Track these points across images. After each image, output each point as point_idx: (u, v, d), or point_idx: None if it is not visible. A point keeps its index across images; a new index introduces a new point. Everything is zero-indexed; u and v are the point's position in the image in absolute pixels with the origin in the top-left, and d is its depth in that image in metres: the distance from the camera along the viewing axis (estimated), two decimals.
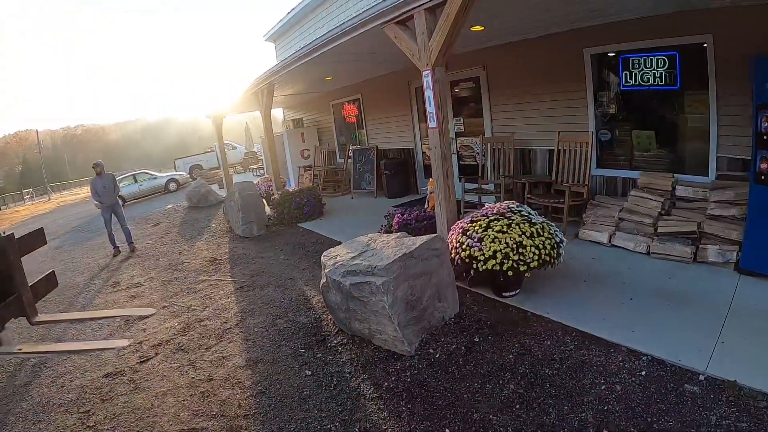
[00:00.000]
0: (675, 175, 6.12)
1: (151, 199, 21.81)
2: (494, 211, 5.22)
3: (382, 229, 7.07)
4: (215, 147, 27.38)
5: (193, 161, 27.55)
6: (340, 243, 8.06)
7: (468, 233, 5.05)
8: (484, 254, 4.80)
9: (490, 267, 4.76)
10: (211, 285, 7.41)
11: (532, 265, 4.76)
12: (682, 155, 6.36)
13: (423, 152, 11.40)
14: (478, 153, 9.59)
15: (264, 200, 11.50)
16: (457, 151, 10.16)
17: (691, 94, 6.05)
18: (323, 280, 4.96)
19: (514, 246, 4.77)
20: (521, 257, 4.75)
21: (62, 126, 53.98)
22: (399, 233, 5.35)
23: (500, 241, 4.80)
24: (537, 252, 4.78)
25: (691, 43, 5.79)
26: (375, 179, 12.23)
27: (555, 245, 4.95)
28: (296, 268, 7.61)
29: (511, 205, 5.30)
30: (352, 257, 4.80)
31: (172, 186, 23.00)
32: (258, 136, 21.20)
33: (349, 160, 13.29)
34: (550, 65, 7.50)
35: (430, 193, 6.81)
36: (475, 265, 4.88)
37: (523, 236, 4.84)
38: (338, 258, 4.95)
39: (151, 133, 47.54)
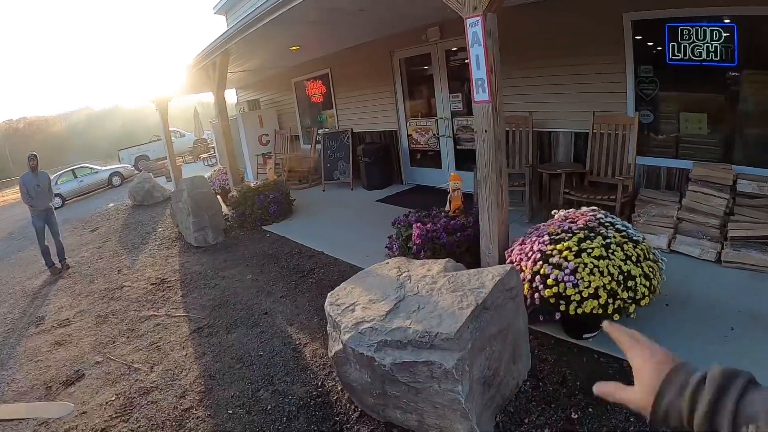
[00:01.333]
0: (732, 166, 4.94)
1: (93, 196, 19.26)
2: (579, 224, 3.54)
3: (394, 248, 5.21)
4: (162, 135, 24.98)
5: (138, 152, 24.84)
6: (322, 253, 6.60)
7: (552, 260, 3.35)
8: (580, 292, 3.15)
9: (588, 310, 3.16)
10: (159, 324, 5.48)
11: (642, 302, 3.20)
12: (740, 143, 5.26)
13: (409, 135, 9.61)
14: None
15: (219, 198, 9.50)
16: (454, 134, 8.51)
17: (752, 73, 4.94)
18: (337, 348, 3.12)
19: (621, 278, 3.16)
20: (630, 293, 3.15)
21: (4, 120, 49.79)
22: (442, 261, 3.53)
23: (601, 272, 3.16)
24: (647, 284, 3.22)
25: (754, 14, 4.66)
26: (351, 168, 10.37)
27: (660, 269, 3.42)
28: (271, 294, 5.75)
29: (598, 214, 3.67)
30: (386, 312, 2.95)
31: (116, 180, 20.45)
32: (209, 121, 18.87)
33: (318, 146, 11.39)
34: (580, 31, 5.95)
35: (453, 191, 5.06)
36: (564, 307, 3.24)
37: (628, 262, 3.22)
38: (360, 311, 3.10)
39: (96, 123, 44.19)
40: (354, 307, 3.19)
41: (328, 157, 10.80)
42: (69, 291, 7.39)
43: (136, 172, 21.61)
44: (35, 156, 8.21)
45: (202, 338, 4.93)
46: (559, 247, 3.36)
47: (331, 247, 6.86)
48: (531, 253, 3.51)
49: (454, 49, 8.01)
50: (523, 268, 3.52)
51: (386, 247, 5.31)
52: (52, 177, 20.00)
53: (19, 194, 8.35)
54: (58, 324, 6.13)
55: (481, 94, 3.82)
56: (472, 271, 3.22)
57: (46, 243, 8.38)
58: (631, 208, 5.48)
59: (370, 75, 9.90)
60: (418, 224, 4.83)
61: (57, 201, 17.91)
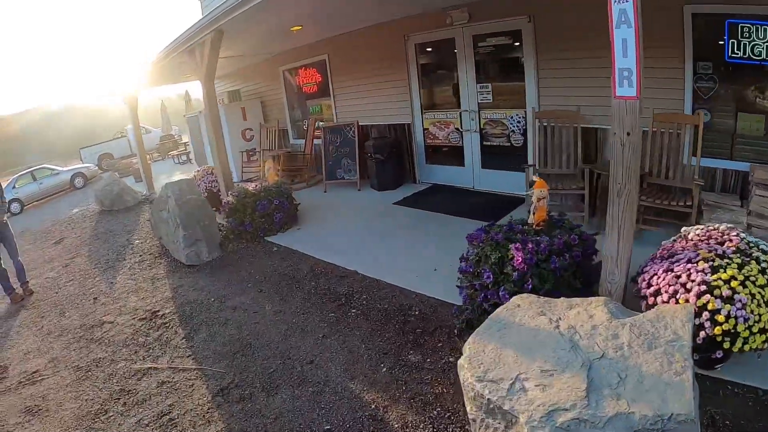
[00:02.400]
0: None
1: (55, 200, 17.30)
2: (731, 247, 3.01)
3: (472, 272, 3.97)
4: (127, 131, 23.01)
5: (101, 150, 22.73)
6: (355, 272, 5.46)
7: (717, 292, 2.73)
8: (750, 327, 2.66)
9: (758, 345, 2.71)
10: (164, 383, 4.09)
11: None
12: None
13: (425, 129, 8.37)
14: (513, 131, 6.95)
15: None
16: (481, 129, 7.38)
17: None
18: None
19: None
20: None
21: None
22: (592, 301, 2.85)
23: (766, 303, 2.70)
24: None
25: None
26: (358, 166, 9.01)
27: None
28: (307, 333, 4.44)
29: (740, 233, 3.19)
30: (585, 391, 2.12)
31: (78, 182, 18.46)
32: (182, 115, 17.08)
33: (317, 141, 9.98)
34: None
35: (538, 200, 3.83)
36: (728, 344, 2.72)
37: None
38: (538, 391, 2.20)
39: (54, 122, 41.30)
40: (522, 382, 2.29)
41: (329, 153, 9.41)
42: (35, 328, 5.87)
43: (99, 172, 19.72)
44: None
45: (233, 405, 3.59)
46: (724, 276, 2.78)
47: (363, 264, 5.59)
48: (691, 284, 2.83)
49: (485, 33, 6.92)
50: (680, 301, 2.85)
51: (461, 271, 4.05)
52: (9, 180, 18.22)
53: None
54: (27, 379, 4.68)
55: (626, 88, 3.04)
56: (648, 315, 2.64)
57: (2, 265, 6.79)
58: (699, 213, 4.82)
59: (379, 61, 8.61)
60: (516, 249, 3.57)
61: (15, 206, 16.02)
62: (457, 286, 4.15)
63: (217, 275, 6.21)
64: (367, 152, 8.68)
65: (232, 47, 8.03)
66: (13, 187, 16.82)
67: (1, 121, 45.07)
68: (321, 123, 10.07)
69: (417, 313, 4.37)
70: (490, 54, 7.03)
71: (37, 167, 18.80)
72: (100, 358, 4.77)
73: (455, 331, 3.91)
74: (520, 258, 3.48)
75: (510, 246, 3.64)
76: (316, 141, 10.05)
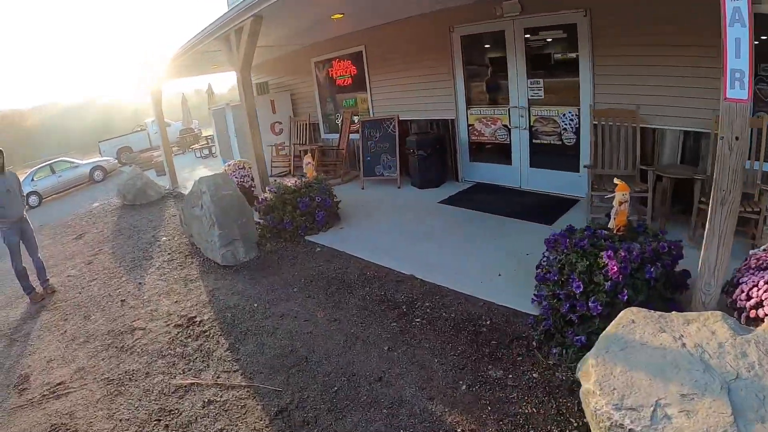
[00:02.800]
0: None
1: (73, 193, 16.87)
2: None
3: (551, 280, 3.48)
4: (146, 125, 22.59)
5: (120, 143, 22.28)
6: (412, 277, 4.97)
7: None
8: None
9: None
10: (211, 401, 3.53)
11: None
12: None
13: (470, 125, 7.83)
14: (565, 129, 6.50)
15: None
16: (530, 126, 6.91)
17: None
18: None
19: None
20: None
21: None
22: (709, 315, 2.61)
23: None
24: None
25: None
26: (398, 162, 8.43)
27: None
28: (369, 345, 3.91)
29: None
30: (731, 416, 1.96)
31: (98, 175, 18.02)
32: (197, 109, 16.57)
33: (354, 136, 9.42)
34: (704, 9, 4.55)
35: (620, 203, 3.31)
36: None
37: None
38: (683, 418, 2.03)
39: (71, 116, 41.14)
40: (663, 409, 2.12)
41: (368, 148, 8.84)
42: (58, 332, 5.35)
43: (119, 165, 19.28)
44: (1, 153, 6.11)
45: (296, 429, 2.99)
46: None
47: (419, 267, 5.05)
48: None
49: (537, 26, 6.48)
50: None
51: (539, 279, 3.78)
52: (27, 172, 17.82)
53: None
54: (51, 392, 4.16)
55: (737, 90, 2.80)
56: None
57: (23, 263, 6.29)
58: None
59: (421, 54, 8.06)
60: (609, 252, 3.08)
61: (33, 200, 15.61)
62: (535, 295, 3.82)
63: (257, 278, 5.65)
64: (408, 148, 8.12)
65: (265, 37, 7.44)
66: (32, 180, 16.42)
67: (19, 115, 45.03)
68: (357, 117, 9.49)
69: (488, 323, 3.91)
70: (542, 48, 6.60)
71: (56, 160, 18.40)
72: (133, 370, 4.22)
73: (533, 343, 3.53)
74: (615, 267, 3.10)
75: (601, 254, 3.27)
76: (351, 136, 9.45)
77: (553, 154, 6.73)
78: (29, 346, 5.18)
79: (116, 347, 4.70)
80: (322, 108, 11.00)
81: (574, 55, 6.10)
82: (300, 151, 10.17)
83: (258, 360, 3.98)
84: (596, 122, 5.60)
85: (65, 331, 5.32)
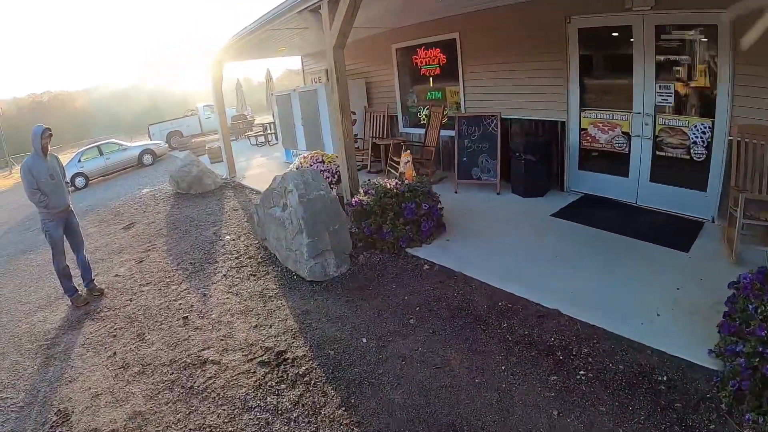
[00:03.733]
0: None
1: (122, 177, 15.94)
2: None
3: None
4: (198, 109, 21.69)
5: (170, 127, 21.37)
6: (557, 312, 3.88)
7: None
8: None
9: None
10: None
11: None
12: None
13: (583, 130, 6.58)
14: (695, 143, 5.51)
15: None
16: (655, 136, 5.84)
17: None
18: None
19: None
20: None
21: (29, 93, 46.68)
22: None
23: None
24: None
25: None
26: (499, 166, 7.12)
27: None
28: (528, 404, 2.81)
29: None
30: None
31: (147, 159, 17.07)
32: (249, 96, 15.40)
33: (449, 133, 8.11)
34: None
35: None
36: None
37: None
38: None
39: (120, 99, 41.02)
40: None
41: (464, 148, 7.54)
42: (105, 353, 4.18)
43: (168, 149, 18.34)
44: (50, 132, 4.99)
45: None
46: None
47: (561, 299, 3.94)
48: None
49: (671, 24, 5.51)
50: None
51: (726, 329, 3.02)
52: (74, 153, 16.99)
53: (24, 188, 5.10)
54: None
55: None
56: None
57: (66, 261, 5.19)
58: None
59: (528, 45, 6.81)
60: None
61: (80, 181, 14.74)
62: (718, 348, 3.03)
63: (356, 300, 4.40)
64: (514, 151, 6.94)
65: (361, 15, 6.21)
66: (79, 161, 15.59)
67: (71, 95, 45.08)
68: (447, 111, 8.19)
69: (665, 379, 2.99)
70: (675, 50, 5.65)
71: (105, 141, 17.54)
72: (210, 426, 2.98)
73: (722, 406, 2.74)
74: None
75: None
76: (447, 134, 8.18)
77: (677, 169, 5.74)
78: (69, 368, 4.05)
79: (183, 386, 3.50)
80: (402, 99, 9.71)
81: (712, 60, 5.19)
82: (381, 145, 8.91)
83: (388, 426, 2.70)
84: (739, 138, 4.60)
85: (114, 353, 4.15)
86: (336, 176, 6.86)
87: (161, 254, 6.62)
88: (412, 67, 9.25)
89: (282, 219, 5.04)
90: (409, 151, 6.23)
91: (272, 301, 4.66)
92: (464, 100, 8.26)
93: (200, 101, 23.51)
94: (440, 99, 8.82)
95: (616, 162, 6.40)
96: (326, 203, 4.96)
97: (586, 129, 6.56)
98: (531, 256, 4.82)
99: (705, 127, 5.44)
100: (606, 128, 6.37)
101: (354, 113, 9.96)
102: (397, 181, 5.62)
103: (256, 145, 16.44)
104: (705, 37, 5.29)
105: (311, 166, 7.03)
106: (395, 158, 8.40)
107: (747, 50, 4.73)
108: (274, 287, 4.94)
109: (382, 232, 5.25)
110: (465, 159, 7.54)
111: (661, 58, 5.67)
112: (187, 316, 4.60)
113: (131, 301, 5.21)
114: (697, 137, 5.53)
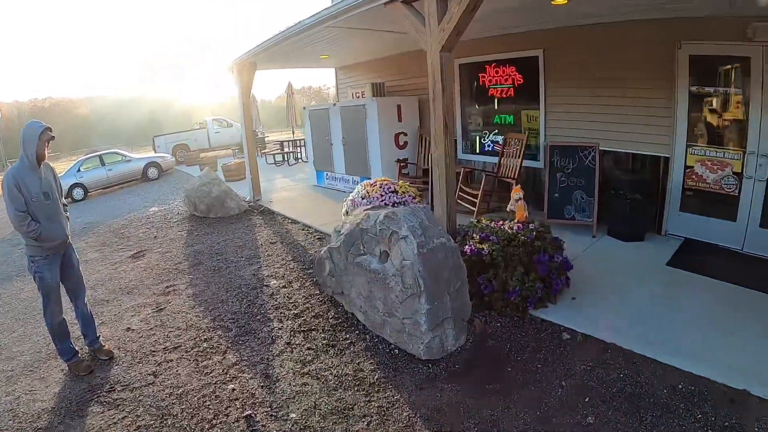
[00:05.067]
0: None
1: (125, 191, 14.13)
2: None
3: None
4: (207, 122, 20.14)
5: (176, 140, 19.58)
6: (745, 392, 2.86)
7: None
8: None
9: None
10: None
11: None
12: None
13: (688, 168, 5.76)
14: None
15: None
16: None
17: None
18: None
19: None
20: None
21: (30, 98, 44.98)
22: None
23: None
24: None
25: None
26: (596, 204, 5.82)
27: None
28: None
29: None
30: None
31: (152, 172, 15.28)
32: (302, 107, 13.77)
33: (535, 163, 6.66)
34: None
35: None
36: None
37: None
38: None
39: (122, 109, 39.44)
40: None
41: (556, 182, 6.11)
42: None
43: (175, 164, 16.68)
44: (51, 133, 3.47)
45: None
46: None
47: (745, 376, 2.94)
48: None
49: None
50: None
51: None
52: (72, 163, 15.26)
53: (7, 211, 3.46)
54: None
55: None
56: None
57: (62, 314, 3.60)
58: None
59: (629, 70, 5.92)
60: None
61: (78, 192, 13.02)
62: None
63: (497, 388, 2.98)
64: (616, 188, 5.86)
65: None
66: (78, 170, 13.86)
67: (73, 102, 43.34)
68: (547, 142, 6.80)
69: None
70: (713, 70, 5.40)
71: (107, 151, 15.81)
72: None
73: None
74: None
75: None
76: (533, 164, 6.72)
77: (710, 203, 5.61)
78: None
79: None
80: (463, 122, 8.27)
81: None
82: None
83: None
84: None
85: None
86: None
87: (186, 300, 5.00)
88: (479, 87, 7.91)
89: (383, 274, 3.48)
90: (519, 186, 4.72)
91: (376, 391, 3.10)
92: (544, 127, 6.95)
93: (207, 115, 22.12)
94: (512, 125, 7.44)
95: (722, 205, 5.69)
96: (447, 254, 3.43)
97: (692, 167, 5.76)
98: (674, 318, 3.80)
99: None
100: (715, 167, 5.66)
101: (405, 134, 8.52)
102: (518, 224, 4.12)
103: (274, 164, 14.85)
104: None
105: (381, 197, 5.49)
106: (466, 188, 6.94)
107: None
108: (371, 367, 3.36)
109: (509, 291, 3.72)
110: (557, 195, 6.17)
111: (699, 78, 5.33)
112: (251, 415, 2.99)
113: (155, 376, 3.59)
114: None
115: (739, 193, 5.58)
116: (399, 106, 8.43)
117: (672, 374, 3.00)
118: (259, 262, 5.85)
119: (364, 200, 5.54)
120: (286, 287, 4.96)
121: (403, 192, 5.48)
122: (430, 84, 4.53)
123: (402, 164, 8.26)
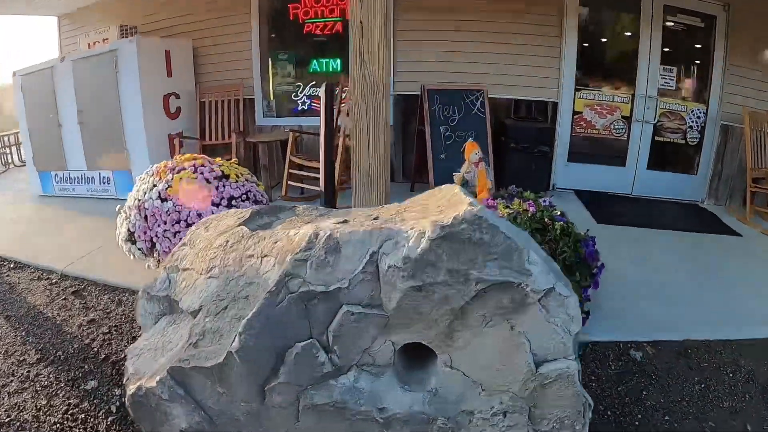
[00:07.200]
0: None
1: None
2: None
3: None
4: None
5: None
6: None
7: None
8: None
9: None
10: None
11: None
12: None
13: (577, 113, 5.43)
14: (691, 127, 5.36)
15: None
16: (656, 121, 5.35)
17: None
18: None
19: None
20: None
21: None
22: None
23: None
24: None
25: None
26: (492, 160, 4.77)
27: None
28: None
29: None
30: None
31: None
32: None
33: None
34: None
35: None
36: None
37: None
38: None
39: None
40: None
41: (439, 136, 4.39)
42: None
43: None
44: None
45: None
46: None
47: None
48: None
49: (677, 7, 5.16)
50: None
51: None
52: None
53: None
54: None
55: None
56: None
57: None
58: None
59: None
60: None
61: None
62: None
63: None
64: (509, 141, 4.87)
65: None
66: None
67: None
68: (426, 86, 4.94)
69: None
70: (679, 33, 5.50)
71: None
72: None
73: None
74: None
75: None
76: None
77: (672, 155, 5.60)
78: None
79: None
80: (262, 74, 5.85)
81: (708, 47, 5.20)
82: (259, 144, 5.01)
83: None
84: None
85: None
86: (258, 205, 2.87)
87: None
88: (287, 24, 5.71)
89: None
90: (477, 142, 2.72)
91: None
92: (394, 72, 5.11)
93: None
94: (340, 73, 5.40)
95: (611, 150, 5.64)
96: None
97: (581, 112, 5.50)
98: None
99: (700, 113, 5.36)
100: (604, 111, 5.53)
101: (178, 96, 5.72)
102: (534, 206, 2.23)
103: None
104: (705, 25, 5.17)
105: (191, 186, 2.86)
106: (296, 161, 4.71)
107: (739, 41, 4.82)
108: None
109: None
110: (443, 156, 4.47)
111: (667, 39, 5.35)
112: None
113: None
114: (693, 122, 5.39)
115: (629, 137, 5.49)
116: (168, 53, 5.50)
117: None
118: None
119: (166, 202, 2.85)
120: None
121: (246, 178, 2.95)
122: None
123: (179, 141, 5.42)
